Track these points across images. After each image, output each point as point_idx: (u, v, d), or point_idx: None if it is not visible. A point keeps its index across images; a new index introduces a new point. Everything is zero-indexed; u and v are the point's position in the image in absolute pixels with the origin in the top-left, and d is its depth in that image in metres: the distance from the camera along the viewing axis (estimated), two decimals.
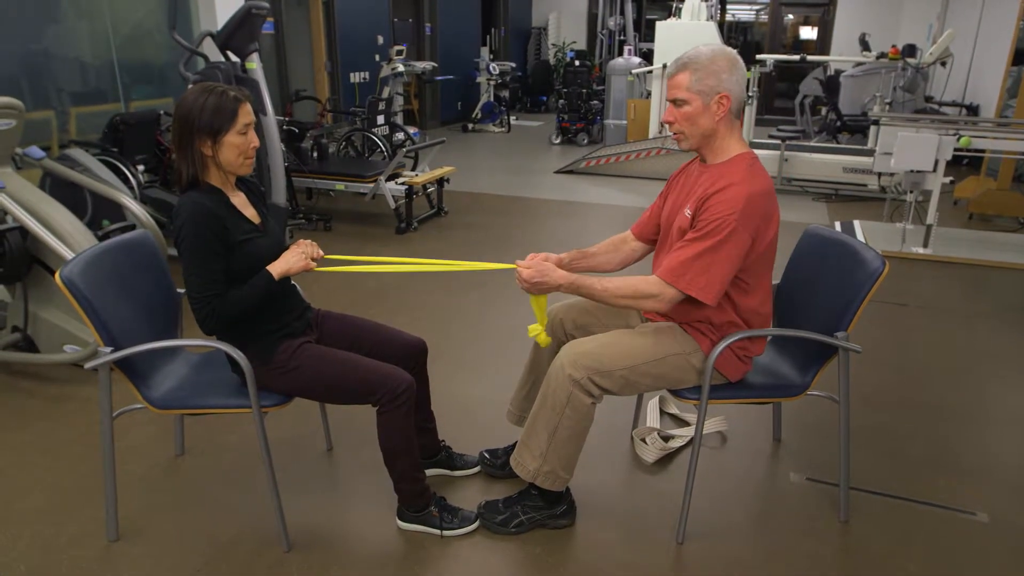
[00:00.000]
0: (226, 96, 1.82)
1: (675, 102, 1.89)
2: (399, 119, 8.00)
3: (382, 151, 6.50)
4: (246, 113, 1.85)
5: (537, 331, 2.06)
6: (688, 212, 1.92)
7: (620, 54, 9.92)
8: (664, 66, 7.76)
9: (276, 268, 1.90)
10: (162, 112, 4.85)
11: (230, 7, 5.04)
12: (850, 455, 2.18)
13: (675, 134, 1.94)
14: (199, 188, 1.87)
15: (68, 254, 2.76)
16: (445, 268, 2.18)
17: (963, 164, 7.65)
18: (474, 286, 4.12)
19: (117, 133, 4.39)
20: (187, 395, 1.99)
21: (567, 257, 2.16)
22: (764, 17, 12.70)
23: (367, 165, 5.92)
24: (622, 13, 11.52)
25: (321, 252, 2.00)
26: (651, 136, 8.08)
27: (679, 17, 7.87)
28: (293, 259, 1.92)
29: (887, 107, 7.36)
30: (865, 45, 8.38)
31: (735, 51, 1.92)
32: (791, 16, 12.56)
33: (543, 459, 1.98)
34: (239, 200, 1.97)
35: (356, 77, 8.64)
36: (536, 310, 2.04)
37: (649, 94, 8.42)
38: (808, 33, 12.48)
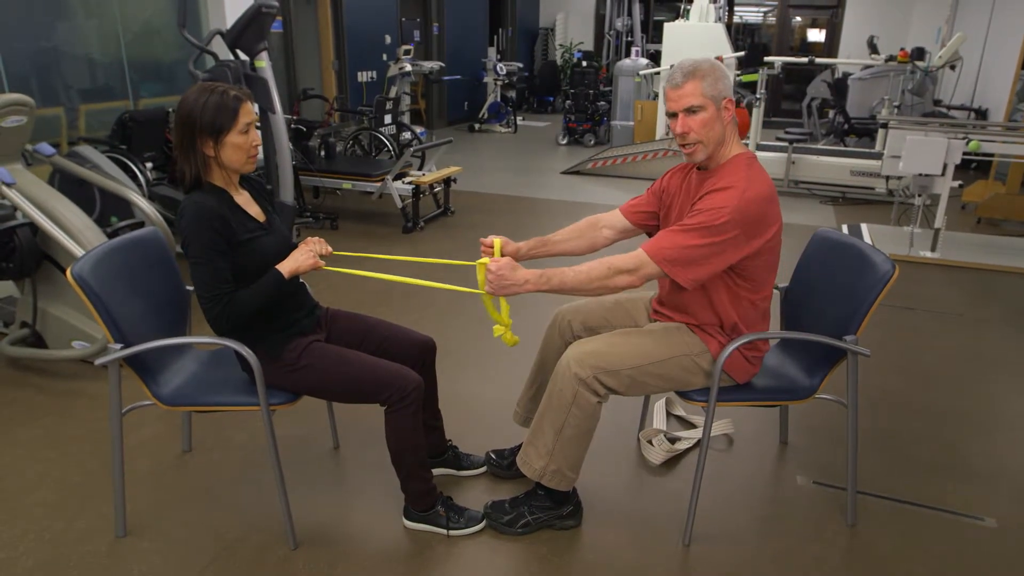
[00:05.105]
0: (227, 95, 1.82)
1: (689, 111, 1.87)
2: (406, 118, 8.01)
3: (389, 150, 6.51)
4: (247, 112, 1.85)
5: (500, 331, 2.00)
6: None
7: (627, 55, 9.92)
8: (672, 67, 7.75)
9: (285, 267, 1.90)
10: (170, 110, 4.87)
11: (239, 5, 5.05)
12: (858, 459, 2.17)
13: (691, 145, 1.89)
14: (202, 188, 1.88)
15: (78, 251, 2.77)
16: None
17: (972, 168, 7.63)
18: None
19: (126, 130, 4.41)
20: (196, 392, 2.00)
21: (525, 246, 2.13)
22: (772, 19, 12.67)
23: (374, 164, 5.93)
24: (630, 14, 11.50)
25: (329, 248, 2.00)
26: (658, 137, 8.08)
27: (687, 19, 7.85)
28: (302, 257, 1.93)
29: (895, 110, 7.35)
30: (873, 48, 8.36)
31: None
32: (799, 18, 12.53)
33: (549, 458, 1.98)
34: (243, 199, 1.97)
35: (364, 76, 8.65)
36: (489, 309, 1.99)
37: (656, 95, 8.41)
38: (816, 35, 12.45)
